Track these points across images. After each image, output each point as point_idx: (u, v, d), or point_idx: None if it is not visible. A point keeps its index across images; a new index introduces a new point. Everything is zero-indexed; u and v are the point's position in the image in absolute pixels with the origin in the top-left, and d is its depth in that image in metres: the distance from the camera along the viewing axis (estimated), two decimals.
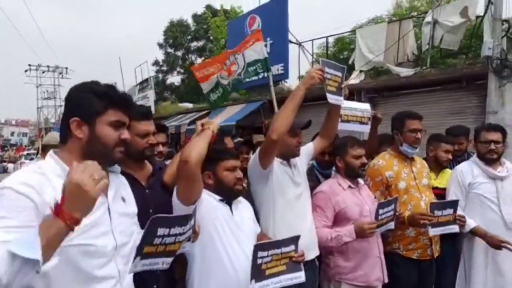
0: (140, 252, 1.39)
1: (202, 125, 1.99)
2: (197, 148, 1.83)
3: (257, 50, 4.80)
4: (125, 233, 1.46)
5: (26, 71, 28.62)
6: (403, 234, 2.74)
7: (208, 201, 1.98)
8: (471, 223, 2.78)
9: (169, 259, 1.49)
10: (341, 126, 2.95)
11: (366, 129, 3.14)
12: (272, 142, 2.12)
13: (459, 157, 3.51)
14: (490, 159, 2.85)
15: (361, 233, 2.36)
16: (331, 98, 2.33)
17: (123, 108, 1.43)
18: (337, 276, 2.53)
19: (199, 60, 26.75)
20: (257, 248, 1.83)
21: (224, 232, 1.95)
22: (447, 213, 2.68)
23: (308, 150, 2.61)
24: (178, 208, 1.85)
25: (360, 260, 2.51)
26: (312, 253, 2.35)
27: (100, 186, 1.13)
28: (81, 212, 1.12)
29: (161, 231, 1.38)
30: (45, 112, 32.18)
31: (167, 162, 2.39)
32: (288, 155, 2.42)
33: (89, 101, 1.37)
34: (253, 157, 2.31)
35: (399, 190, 2.74)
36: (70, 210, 1.10)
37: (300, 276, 1.98)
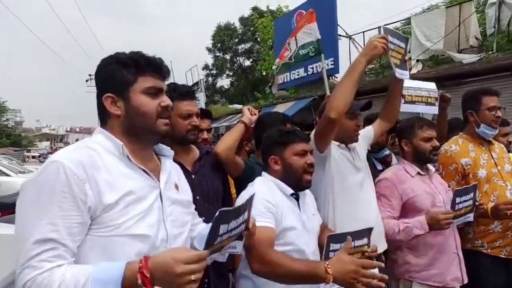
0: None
1: (249, 109, 2.04)
2: (225, 140, 1.97)
3: (309, 32, 4.52)
4: (177, 223, 1.29)
5: (87, 80, 30.15)
6: (487, 229, 2.38)
7: (277, 198, 1.74)
8: None
9: (215, 255, 1.29)
10: (405, 108, 2.65)
11: (433, 110, 2.80)
12: (330, 121, 1.89)
13: None
14: None
15: (436, 225, 2.05)
16: (397, 72, 2.06)
17: (156, 73, 1.27)
18: (407, 274, 2.23)
19: (247, 62, 27.04)
20: (330, 239, 1.61)
21: (292, 237, 1.72)
22: None
23: (367, 133, 2.34)
24: None
25: (434, 257, 2.20)
26: (380, 246, 2.08)
27: (189, 287, 1.04)
28: (160, 285, 1.04)
29: (223, 228, 1.18)
30: None
31: None
32: (345, 139, 2.17)
33: (117, 72, 1.23)
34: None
35: (478, 179, 2.38)
36: (153, 282, 1.03)
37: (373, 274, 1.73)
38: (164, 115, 1.27)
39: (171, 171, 1.38)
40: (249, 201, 1.34)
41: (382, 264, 1.56)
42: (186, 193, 1.44)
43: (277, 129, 1.96)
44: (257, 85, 23.41)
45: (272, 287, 1.65)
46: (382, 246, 2.13)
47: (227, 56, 27.94)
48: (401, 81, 2.24)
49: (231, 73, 28.47)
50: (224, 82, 29.12)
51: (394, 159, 2.83)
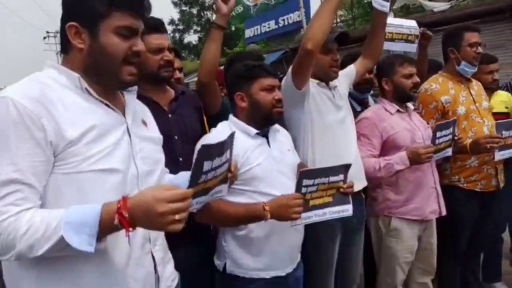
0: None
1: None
2: (203, 60, 1.76)
3: None
4: (148, 161, 1.19)
5: (44, 38, 28.42)
6: (464, 165, 2.42)
7: (239, 142, 1.62)
8: None
9: (203, 198, 1.21)
10: (385, 46, 2.57)
11: (413, 48, 2.73)
12: (307, 52, 1.78)
13: None
14: None
15: (416, 159, 2.05)
16: (375, 2, 1.97)
17: (134, 9, 1.09)
18: (387, 210, 2.26)
19: (215, 16, 25.98)
20: (303, 175, 1.56)
21: (260, 172, 1.64)
22: None
23: (349, 72, 2.26)
24: None
25: (413, 192, 2.22)
26: (358, 183, 2.06)
27: (174, 227, 0.93)
28: (140, 226, 0.96)
29: (206, 165, 1.10)
30: None
31: None
32: (322, 76, 2.07)
33: (88, 0, 1.06)
34: (285, 78, 1.99)
35: (458, 116, 2.38)
36: (133, 223, 0.94)
37: (347, 209, 1.71)
38: (132, 61, 1.12)
39: (137, 108, 1.26)
40: (230, 139, 1.25)
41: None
42: (154, 130, 1.33)
43: (243, 63, 1.84)
44: (226, 40, 22.77)
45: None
46: (361, 184, 2.11)
47: (194, 10, 26.80)
48: (384, 15, 2.16)
49: (198, 28, 27.42)
50: (192, 38, 28.11)
51: (370, 100, 2.79)
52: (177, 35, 27.60)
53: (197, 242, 1.74)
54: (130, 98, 1.22)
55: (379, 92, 2.48)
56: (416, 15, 8.62)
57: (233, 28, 22.41)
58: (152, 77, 1.72)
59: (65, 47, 1.11)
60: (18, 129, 0.95)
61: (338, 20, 11.19)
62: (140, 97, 1.42)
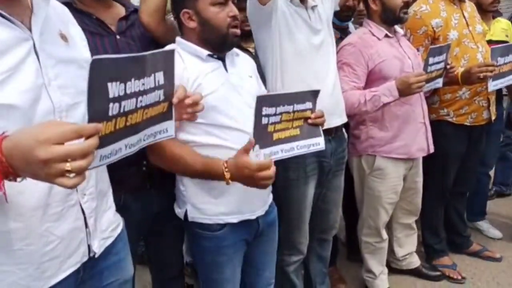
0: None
1: None
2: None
3: None
4: (69, 90, 0.88)
5: None
6: (454, 97, 2.21)
7: (189, 66, 1.34)
8: None
9: (135, 138, 0.89)
10: None
11: None
12: None
13: None
14: None
15: (406, 89, 1.80)
16: None
17: None
18: (370, 149, 2.05)
19: None
20: (261, 101, 1.25)
21: (215, 101, 1.34)
22: (510, 60, 2.10)
23: None
24: None
25: (399, 128, 2.01)
26: (337, 119, 1.81)
27: (64, 181, 0.64)
28: (26, 175, 0.68)
29: (113, 88, 0.77)
30: None
31: None
32: None
33: None
34: None
35: (449, 42, 2.12)
36: (14, 172, 0.66)
37: (318, 143, 1.44)
38: None
39: (53, 15, 0.92)
40: (167, 56, 0.94)
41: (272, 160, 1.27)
42: (79, 47, 0.99)
43: None
44: None
45: None
46: (340, 119, 1.86)
47: None
48: None
49: None
50: None
51: (351, 27, 2.48)
52: None
53: (161, 186, 1.50)
54: (40, 2, 0.87)
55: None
56: None
57: None
58: None
59: None
60: None
61: None
62: (80, 12, 1.08)
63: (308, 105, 1.40)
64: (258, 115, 1.26)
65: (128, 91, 0.81)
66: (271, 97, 1.35)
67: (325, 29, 1.84)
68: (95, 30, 1.35)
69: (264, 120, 1.28)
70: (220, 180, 1.26)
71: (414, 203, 2.26)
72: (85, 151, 0.65)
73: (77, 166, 0.64)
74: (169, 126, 1.01)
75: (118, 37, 1.42)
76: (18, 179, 0.67)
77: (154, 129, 0.96)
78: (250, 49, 1.96)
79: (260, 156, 1.29)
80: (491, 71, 2.00)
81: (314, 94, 1.42)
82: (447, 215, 2.55)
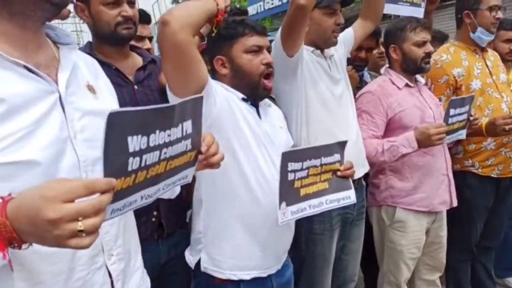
0: None
1: None
2: (184, 7, 1.20)
3: None
4: (96, 142, 0.77)
5: None
6: (479, 147, 2.13)
7: (226, 96, 1.34)
8: None
9: (153, 189, 0.81)
10: (388, 9, 2.24)
11: (418, 13, 2.38)
12: (300, 9, 1.46)
13: None
14: None
15: (426, 141, 1.75)
16: None
17: None
18: (390, 199, 1.97)
19: None
20: (286, 157, 1.24)
21: (248, 144, 1.33)
22: None
23: (347, 37, 1.94)
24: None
25: (420, 179, 1.93)
26: (361, 168, 1.79)
27: (78, 242, 0.59)
28: (32, 240, 0.62)
29: (134, 142, 0.71)
30: None
31: None
32: (321, 43, 1.77)
33: None
34: (274, 44, 1.66)
35: (472, 92, 2.07)
36: (18, 232, 0.60)
37: (349, 196, 1.41)
38: None
39: (79, 67, 0.89)
40: (195, 103, 0.87)
41: None
42: (107, 98, 0.96)
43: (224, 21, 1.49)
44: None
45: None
46: (363, 169, 1.84)
47: None
48: None
49: None
50: None
51: (366, 76, 2.47)
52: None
53: (170, 234, 1.49)
54: (67, 54, 0.86)
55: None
56: None
57: (237, 5, 21.90)
58: (108, 36, 1.41)
59: None
60: None
61: None
62: (101, 63, 1.08)
63: (337, 157, 1.38)
64: (283, 171, 1.25)
65: (151, 144, 0.75)
66: (296, 152, 1.33)
67: (344, 78, 1.87)
68: (114, 80, 1.36)
69: (290, 176, 1.27)
70: None
71: (438, 258, 2.12)
72: (98, 208, 0.60)
73: (90, 225, 0.58)
74: (189, 173, 0.94)
75: (136, 87, 1.46)
76: (24, 246, 0.61)
77: (175, 178, 0.89)
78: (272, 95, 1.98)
79: (287, 214, 1.26)
80: None
81: (342, 145, 1.40)
82: (474, 271, 2.40)
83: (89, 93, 0.89)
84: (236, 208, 1.34)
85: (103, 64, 1.34)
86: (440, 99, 2.11)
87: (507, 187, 2.24)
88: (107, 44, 1.44)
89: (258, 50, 1.37)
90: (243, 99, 1.38)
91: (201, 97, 0.90)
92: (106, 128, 0.66)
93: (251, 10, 12.52)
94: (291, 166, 1.25)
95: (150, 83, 1.53)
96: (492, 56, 2.29)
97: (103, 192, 0.62)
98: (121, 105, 1.03)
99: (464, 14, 2.17)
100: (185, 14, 1.17)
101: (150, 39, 2.04)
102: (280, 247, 1.44)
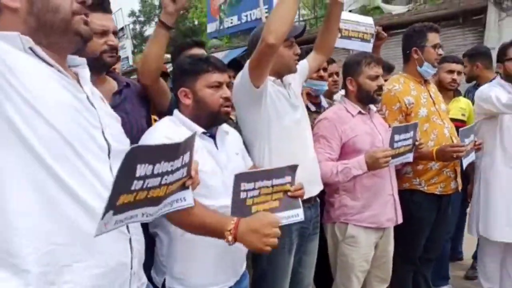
0: (113, 204, 0.86)
1: None
2: (144, 60, 1.56)
3: None
4: (117, 138, 1.06)
5: None
6: (426, 167, 2.36)
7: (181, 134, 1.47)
8: None
9: (152, 209, 0.99)
10: (341, 43, 2.48)
11: (367, 48, 2.64)
12: (269, 47, 1.61)
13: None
14: None
15: (374, 164, 1.95)
16: None
17: None
18: (343, 217, 2.15)
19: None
20: (239, 178, 1.36)
21: (205, 177, 1.40)
22: (471, 140, 2.35)
23: (302, 68, 2.10)
24: None
25: (369, 199, 2.13)
26: (317, 187, 1.96)
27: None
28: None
29: (141, 169, 0.88)
30: None
31: None
32: (284, 71, 1.93)
33: None
34: (241, 75, 1.82)
35: (420, 118, 2.32)
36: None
37: (297, 214, 1.53)
38: (81, 11, 0.97)
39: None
40: (190, 140, 1.04)
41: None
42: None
43: (188, 55, 1.66)
44: (189, 35, 22.27)
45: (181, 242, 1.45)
46: (318, 188, 2.01)
47: (156, 2, 25.97)
48: (339, 5, 2.04)
49: None
50: (153, 30, 27.28)
51: (323, 101, 2.68)
52: (137, 27, 26.68)
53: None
54: (84, 72, 1.06)
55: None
56: (375, 17, 8.74)
57: (196, 22, 21.92)
58: (93, 63, 1.47)
59: None
60: None
61: (301, 19, 11.18)
62: None
63: (288, 179, 1.51)
64: (236, 190, 1.36)
65: (155, 172, 0.91)
66: (249, 174, 1.45)
67: (301, 104, 2.03)
68: None
69: (243, 195, 1.37)
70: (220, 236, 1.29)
71: (386, 271, 2.32)
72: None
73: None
74: (186, 195, 1.09)
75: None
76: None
77: (171, 198, 1.05)
78: (232, 117, 2.11)
79: None
80: (463, 151, 2.20)
81: (293, 169, 1.52)
82: (415, 281, 2.61)
83: (102, 102, 1.10)
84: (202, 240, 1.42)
85: None
86: (391, 125, 2.33)
87: (447, 203, 2.49)
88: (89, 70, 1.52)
89: (218, 85, 1.50)
90: (205, 134, 1.51)
91: (195, 133, 1.09)
92: (125, 156, 0.82)
93: (210, 27, 12.66)
94: (244, 186, 1.37)
95: (126, 106, 1.61)
96: (433, 87, 2.56)
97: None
98: None
99: (412, 50, 2.42)
100: (150, 68, 1.57)
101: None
102: (237, 260, 1.56)
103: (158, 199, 0.97)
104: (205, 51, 2.19)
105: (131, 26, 24.32)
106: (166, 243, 1.47)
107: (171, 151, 0.96)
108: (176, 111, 1.55)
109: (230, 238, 1.26)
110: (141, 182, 0.88)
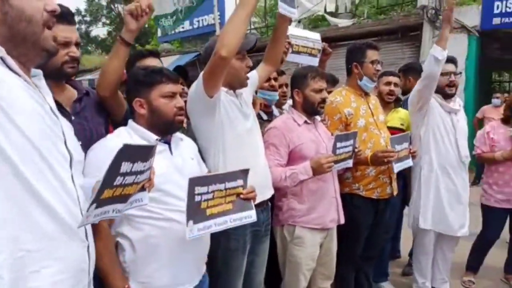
0: (98, 197, 0.97)
1: (131, 10, 1.64)
2: (104, 73, 1.67)
3: None
4: (77, 149, 1.15)
5: None
6: (364, 174, 2.58)
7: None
8: None
9: (122, 206, 1.10)
10: (291, 58, 2.65)
11: (315, 62, 2.84)
12: (221, 59, 1.73)
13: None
14: (450, 92, 2.83)
15: (318, 169, 2.12)
16: (282, 7, 1.99)
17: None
18: (291, 219, 2.31)
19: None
20: (193, 182, 1.44)
21: (161, 181, 1.49)
22: (404, 147, 2.58)
23: (252, 78, 2.23)
24: None
25: (315, 202, 2.30)
26: (268, 191, 2.10)
27: None
28: None
29: (125, 166, 1.00)
30: None
31: None
32: (236, 83, 2.05)
33: None
34: (195, 84, 1.91)
35: (358, 128, 2.54)
36: None
37: (250, 216, 1.64)
38: (51, 24, 1.03)
39: (50, 94, 1.15)
40: (154, 146, 1.18)
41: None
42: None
43: (143, 67, 1.73)
44: (138, 37, 21.78)
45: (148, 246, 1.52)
46: (269, 192, 2.14)
47: (103, 2, 25.17)
48: (287, 20, 2.18)
49: (108, 22, 25.82)
50: (100, 31, 26.37)
51: (275, 110, 2.85)
52: (83, 27, 25.65)
53: None
54: (41, 83, 1.11)
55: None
56: (322, 29, 9.15)
57: (146, 25, 21.50)
58: (54, 72, 1.53)
59: None
60: None
61: (252, 27, 11.39)
62: None
63: (240, 182, 1.61)
64: (190, 194, 1.44)
65: (133, 170, 1.03)
66: (203, 178, 1.52)
67: (252, 113, 2.15)
68: None
69: (197, 198, 1.46)
70: None
71: (330, 268, 2.49)
72: None
73: None
74: (143, 196, 1.21)
75: (73, 117, 1.59)
76: None
77: (133, 198, 1.16)
78: (184, 125, 2.18)
79: (194, 231, 1.46)
80: (392, 156, 2.42)
81: (244, 173, 1.63)
82: (357, 278, 2.83)
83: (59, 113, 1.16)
84: (153, 235, 1.51)
85: None
86: (333, 133, 2.52)
87: (384, 207, 2.72)
88: (49, 79, 1.53)
89: (172, 95, 1.60)
90: (157, 140, 1.57)
91: (157, 140, 1.30)
92: (116, 154, 0.95)
93: (160, 31, 12.52)
94: (198, 190, 1.45)
95: (86, 114, 1.67)
96: (374, 100, 2.80)
97: None
98: None
99: (353, 65, 2.65)
100: (109, 82, 1.69)
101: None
102: (199, 258, 1.66)
103: (127, 196, 1.08)
104: (160, 61, 2.24)
105: (77, 26, 23.38)
106: (128, 250, 1.52)
107: (147, 153, 1.08)
108: (130, 121, 1.62)
109: None
110: (121, 178, 1.00)
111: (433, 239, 2.99)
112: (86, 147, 1.47)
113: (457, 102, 2.94)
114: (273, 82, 2.65)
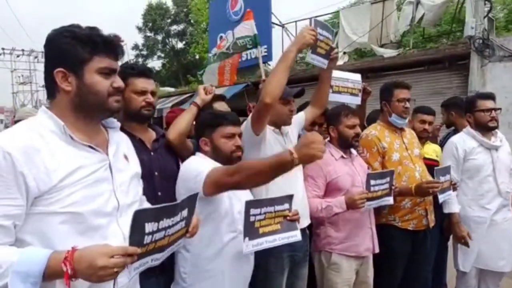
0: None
1: (204, 88, 2.19)
2: (176, 125, 2.04)
3: (247, 27, 4.83)
4: (129, 194, 1.36)
5: None
6: (399, 205, 2.70)
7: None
8: (454, 207, 2.86)
9: (160, 255, 1.28)
10: (332, 97, 2.89)
11: (357, 101, 3.08)
12: (266, 105, 2.03)
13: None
14: (492, 127, 2.88)
15: (352, 204, 2.31)
16: (314, 59, 2.25)
17: (111, 53, 1.29)
18: (327, 246, 2.49)
19: (180, 45, 26.37)
20: (249, 205, 1.76)
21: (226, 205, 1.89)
22: (447, 178, 2.69)
23: (299, 119, 2.53)
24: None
25: (350, 231, 2.47)
26: (305, 221, 2.31)
27: (111, 277, 1.09)
28: (81, 277, 1.08)
29: (149, 227, 1.15)
30: (21, 98, 30.65)
31: None
32: (280, 123, 2.35)
33: (71, 48, 1.23)
34: (246, 123, 2.23)
35: (392, 162, 2.69)
36: (75, 274, 1.07)
37: (295, 235, 1.93)
38: (116, 94, 1.32)
39: (120, 143, 1.44)
40: (191, 198, 1.37)
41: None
42: (135, 163, 1.50)
43: (209, 112, 2.09)
44: (190, 68, 23.01)
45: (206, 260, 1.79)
46: (306, 221, 2.35)
47: (159, 37, 26.97)
48: (329, 70, 2.44)
49: (162, 55, 27.57)
50: (155, 63, 28.11)
51: None
52: (140, 60, 27.55)
53: (166, 271, 1.89)
54: (114, 135, 1.41)
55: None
56: (368, 60, 9.31)
57: (197, 57, 22.66)
58: (135, 115, 1.93)
59: (52, 91, 1.29)
60: (2, 176, 1.11)
61: (298, 59, 11.76)
62: (128, 134, 1.65)
63: (286, 206, 1.91)
64: (247, 215, 1.75)
65: (160, 227, 1.20)
66: (257, 202, 1.84)
67: None
68: (136, 146, 1.79)
69: (252, 218, 1.77)
70: (288, 165, 1.55)
71: None
72: (125, 263, 1.10)
73: (119, 270, 1.08)
74: (182, 241, 1.42)
75: (152, 153, 1.97)
76: (73, 279, 1.06)
77: (173, 246, 1.35)
78: None
79: (249, 246, 1.75)
80: (437, 187, 2.54)
81: (289, 198, 1.94)
82: None
83: (125, 160, 1.43)
84: (222, 252, 1.81)
85: (130, 134, 1.80)
86: (370, 166, 2.69)
87: (421, 239, 2.78)
88: (133, 121, 1.94)
89: (231, 136, 1.94)
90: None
91: (196, 194, 1.41)
92: (132, 218, 1.13)
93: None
94: (253, 211, 1.76)
95: (162, 151, 2.04)
96: (409, 134, 2.92)
97: (129, 255, 1.10)
98: (142, 166, 1.56)
99: (382, 103, 2.85)
100: (179, 133, 2.05)
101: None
102: (246, 279, 1.93)
103: (163, 247, 1.28)
104: (225, 104, 2.64)
105: (134, 59, 25.14)
106: (190, 261, 1.82)
107: (170, 210, 1.26)
108: (198, 153, 1.98)
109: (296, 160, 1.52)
110: (150, 236, 1.19)
111: (475, 274, 2.96)
112: (161, 177, 1.94)
113: (498, 138, 2.95)
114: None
